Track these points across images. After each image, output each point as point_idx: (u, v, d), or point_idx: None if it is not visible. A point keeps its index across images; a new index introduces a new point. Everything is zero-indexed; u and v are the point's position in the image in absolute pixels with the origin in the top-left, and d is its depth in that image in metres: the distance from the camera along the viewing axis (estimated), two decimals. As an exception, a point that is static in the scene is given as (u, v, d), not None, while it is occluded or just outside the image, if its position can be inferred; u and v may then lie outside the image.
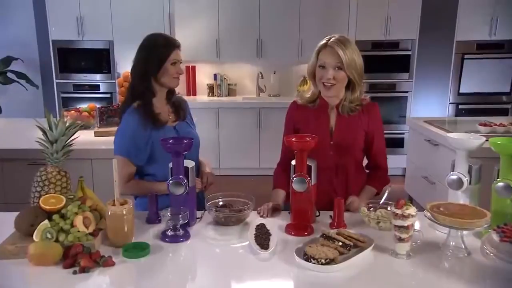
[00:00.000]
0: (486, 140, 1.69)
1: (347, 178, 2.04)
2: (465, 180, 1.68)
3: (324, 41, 1.97)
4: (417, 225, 1.73)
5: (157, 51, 1.99)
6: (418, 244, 1.57)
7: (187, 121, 2.20)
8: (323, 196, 1.92)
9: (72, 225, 1.56)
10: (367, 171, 2.15)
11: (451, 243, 1.57)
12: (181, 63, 2.06)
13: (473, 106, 5.48)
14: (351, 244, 1.54)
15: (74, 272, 1.40)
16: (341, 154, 2.02)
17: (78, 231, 1.54)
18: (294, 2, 5.47)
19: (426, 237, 1.62)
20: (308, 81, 5.67)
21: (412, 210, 1.50)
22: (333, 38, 1.95)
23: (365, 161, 2.15)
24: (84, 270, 1.40)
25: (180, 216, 1.64)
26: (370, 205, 1.85)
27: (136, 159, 2.02)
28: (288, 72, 5.98)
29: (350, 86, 2.00)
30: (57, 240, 1.51)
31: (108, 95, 5.66)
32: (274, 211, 1.92)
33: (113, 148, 2.05)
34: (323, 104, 2.06)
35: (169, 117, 2.10)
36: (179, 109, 2.16)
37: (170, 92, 2.14)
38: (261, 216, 1.88)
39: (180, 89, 2.20)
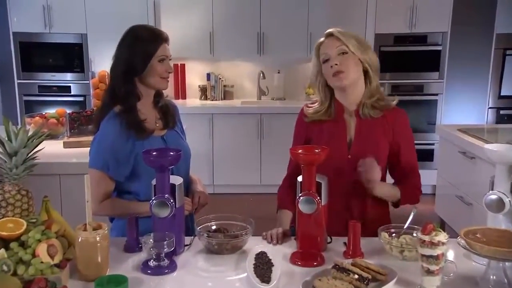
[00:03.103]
0: (532, 152, 1.69)
1: (365, 199, 2.04)
2: (507, 200, 1.67)
3: (322, 38, 2.05)
4: (449, 255, 1.73)
5: (141, 46, 2.00)
6: (451, 277, 1.57)
7: (177, 129, 2.21)
8: (336, 219, 1.92)
9: (34, 255, 1.55)
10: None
11: (491, 277, 1.56)
12: (170, 59, 2.07)
13: (517, 112, 5.50)
14: (369, 277, 1.53)
15: (36, 311, 1.39)
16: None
17: (41, 262, 1.53)
18: (302, -12, 5.52)
19: (460, 269, 1.61)
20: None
21: (442, 236, 1.50)
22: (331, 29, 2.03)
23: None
24: (48, 308, 1.39)
25: (165, 243, 1.64)
26: (392, 230, 1.85)
27: (116, 174, 2.02)
28: (294, 71, 6.00)
29: (366, 79, 2.04)
30: (15, 274, 1.50)
31: (81, 99, 5.67)
32: (284, 237, 1.93)
33: (85, 162, 2.06)
34: (339, 108, 2.07)
35: (156, 124, 2.11)
36: (168, 115, 2.17)
37: (158, 95, 2.15)
38: (270, 243, 1.88)
39: (167, 92, 2.20)
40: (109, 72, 2.10)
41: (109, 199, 2.05)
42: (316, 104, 2.12)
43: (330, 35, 2.01)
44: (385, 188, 2.04)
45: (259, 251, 1.73)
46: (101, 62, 5.29)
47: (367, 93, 2.05)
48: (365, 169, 1.92)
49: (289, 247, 1.84)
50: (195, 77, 6.04)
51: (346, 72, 1.97)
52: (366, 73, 2.04)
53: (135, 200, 2.06)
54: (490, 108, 5.55)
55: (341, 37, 1.97)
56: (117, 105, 2.05)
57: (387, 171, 2.16)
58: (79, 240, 1.57)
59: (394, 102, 2.09)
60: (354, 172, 2.01)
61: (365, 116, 2.05)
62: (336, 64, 1.97)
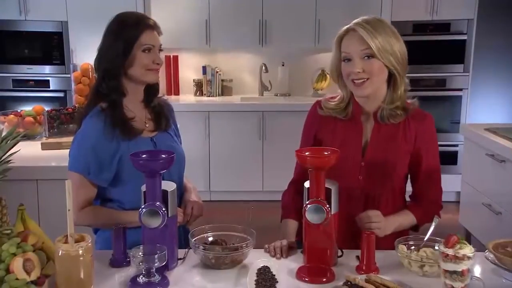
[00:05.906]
0: None
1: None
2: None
3: (345, 27, 2.00)
4: (475, 271, 1.73)
5: (123, 33, 2.01)
6: (477, 295, 1.57)
7: (171, 132, 2.22)
8: (347, 229, 1.93)
9: (8, 271, 1.55)
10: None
11: (523, 294, 1.57)
12: (161, 50, 2.07)
13: (554, 109, 5.50)
14: (386, 295, 1.53)
15: (11, 333, 1.40)
16: (374, 179, 2.03)
17: (16, 279, 1.53)
18: (309, -30, 5.53)
19: (488, 287, 1.61)
20: (327, 76, 5.70)
21: (468, 249, 1.50)
22: (356, 20, 1.97)
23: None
24: (24, 330, 1.40)
25: (156, 256, 1.64)
26: (410, 243, 1.85)
27: (97, 178, 2.02)
28: (301, 64, 6.01)
29: (391, 81, 2.01)
30: (-13, 291, 1.51)
31: (61, 94, 5.68)
32: (289, 250, 1.93)
33: (66, 165, 2.06)
34: (356, 110, 2.07)
35: (145, 125, 2.11)
36: (161, 116, 2.17)
37: (151, 92, 2.15)
38: (274, 257, 1.88)
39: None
40: (92, 65, 2.11)
41: (90, 206, 2.05)
42: (337, 98, 2.11)
43: (353, 30, 1.95)
44: (396, 222, 2.02)
45: (262, 265, 1.73)
46: (84, 53, 5.28)
47: (388, 98, 2.02)
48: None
49: (295, 261, 1.84)
50: (189, 70, 6.05)
51: (370, 79, 1.94)
52: (390, 76, 2.01)
53: (118, 209, 2.06)
54: (522, 104, 5.56)
55: (365, 36, 1.91)
56: (102, 102, 2.05)
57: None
58: (59, 254, 1.57)
59: (414, 102, 2.07)
60: (368, 181, 2.01)
61: (383, 121, 2.03)
62: (358, 72, 1.93)
